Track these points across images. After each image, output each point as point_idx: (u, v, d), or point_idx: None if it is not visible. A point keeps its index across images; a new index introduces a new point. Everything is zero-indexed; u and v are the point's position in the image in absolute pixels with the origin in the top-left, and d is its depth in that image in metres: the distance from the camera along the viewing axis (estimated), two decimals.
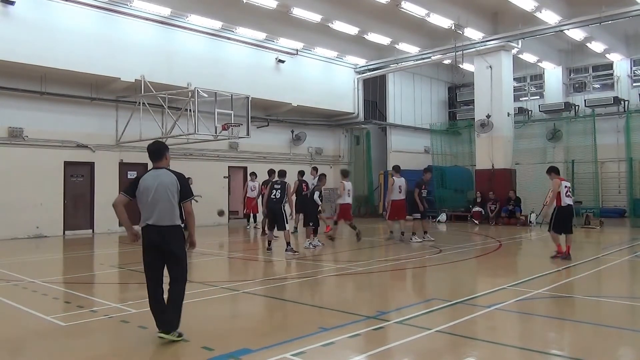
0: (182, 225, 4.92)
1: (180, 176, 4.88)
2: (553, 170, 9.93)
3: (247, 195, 16.76)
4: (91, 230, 15.89)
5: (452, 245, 12.41)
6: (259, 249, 11.66)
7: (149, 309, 4.91)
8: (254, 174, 16.91)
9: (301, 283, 8.11)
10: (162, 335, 4.71)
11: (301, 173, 14.27)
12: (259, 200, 15.71)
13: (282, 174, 11.54)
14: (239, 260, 11.14)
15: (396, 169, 13.58)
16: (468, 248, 12.33)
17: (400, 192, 13.04)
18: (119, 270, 9.54)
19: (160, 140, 5.15)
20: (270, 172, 13.57)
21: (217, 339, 4.91)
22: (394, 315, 5.83)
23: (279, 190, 10.93)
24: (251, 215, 16.98)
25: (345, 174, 13.56)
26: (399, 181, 13.11)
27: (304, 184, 13.60)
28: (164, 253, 4.82)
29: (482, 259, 10.70)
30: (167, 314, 4.78)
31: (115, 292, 7.65)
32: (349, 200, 12.93)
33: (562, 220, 9.61)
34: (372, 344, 4.87)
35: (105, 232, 15.87)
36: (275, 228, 11.02)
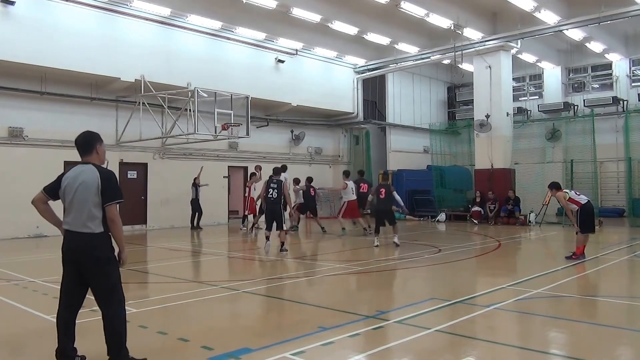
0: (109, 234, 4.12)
1: (105, 173, 4.10)
2: (554, 187, 10.02)
3: (250, 195, 16.42)
4: None
5: (452, 245, 12.42)
6: (260, 249, 11.66)
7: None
8: (278, 170, 16.50)
9: (301, 282, 8.12)
10: None
11: (309, 179, 16.11)
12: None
13: (277, 171, 11.51)
14: (238, 259, 11.15)
15: (346, 173, 15.38)
16: (467, 248, 12.35)
17: (353, 194, 14.69)
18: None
19: (91, 130, 4.38)
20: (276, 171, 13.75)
21: (217, 338, 4.92)
22: (394, 315, 5.84)
23: (276, 190, 10.86)
24: (248, 216, 16.50)
25: (347, 174, 15.27)
26: (351, 184, 14.81)
27: (311, 189, 15.86)
28: (80, 266, 4.04)
29: (481, 258, 10.71)
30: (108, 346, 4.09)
31: None
32: (354, 197, 14.57)
33: (586, 218, 9.61)
34: (371, 343, 4.88)
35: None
36: (274, 227, 11.05)
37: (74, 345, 4.18)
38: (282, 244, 10.87)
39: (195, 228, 16.82)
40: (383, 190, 12.02)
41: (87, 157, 4.21)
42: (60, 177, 4.22)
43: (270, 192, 10.87)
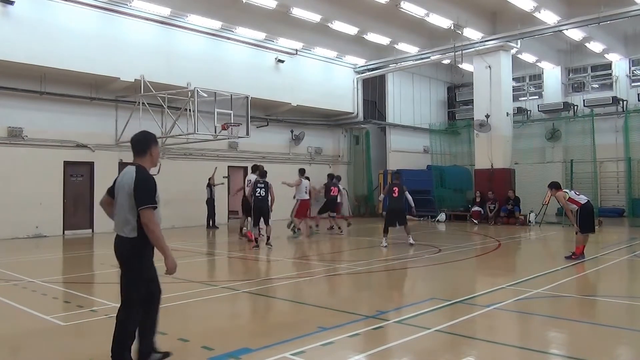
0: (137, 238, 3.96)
1: (141, 175, 3.90)
2: (554, 187, 9.98)
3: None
4: (91, 230, 15.89)
5: (451, 244, 12.42)
6: (261, 249, 11.66)
7: None
8: (265, 173, 16.49)
9: (301, 282, 8.12)
10: None
11: (331, 176, 15.87)
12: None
13: (265, 174, 12.34)
14: (238, 259, 11.15)
15: (301, 171, 14.70)
16: (467, 248, 12.35)
17: (306, 193, 14.32)
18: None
19: (148, 131, 4.25)
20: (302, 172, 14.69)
21: (217, 338, 4.92)
22: (393, 315, 5.83)
23: (264, 189, 11.98)
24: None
25: (302, 172, 14.67)
26: (305, 182, 14.48)
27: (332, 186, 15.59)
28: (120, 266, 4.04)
29: (481, 258, 10.71)
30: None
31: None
32: (307, 197, 14.26)
33: (586, 217, 9.59)
34: (371, 343, 4.88)
35: (105, 231, 15.85)
36: (261, 222, 12.05)
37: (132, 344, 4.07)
38: (268, 237, 11.89)
39: (212, 227, 17.18)
40: (396, 189, 11.99)
41: (139, 158, 4.07)
42: (116, 179, 4.15)
43: (259, 191, 11.93)
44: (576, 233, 9.75)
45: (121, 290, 4.03)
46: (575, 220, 9.64)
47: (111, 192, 4.15)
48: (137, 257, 3.95)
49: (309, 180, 14.94)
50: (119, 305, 4.08)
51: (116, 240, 4.02)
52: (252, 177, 12.82)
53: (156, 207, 3.90)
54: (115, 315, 4.05)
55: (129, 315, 3.97)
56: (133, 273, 3.99)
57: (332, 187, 15.34)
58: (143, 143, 4.07)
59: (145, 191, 3.85)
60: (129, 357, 3.99)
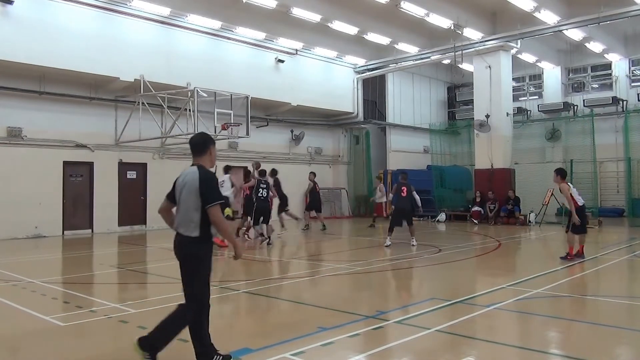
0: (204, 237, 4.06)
1: (204, 174, 4.03)
2: (560, 173, 9.73)
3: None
4: (90, 230, 15.87)
5: (452, 245, 12.41)
6: (262, 249, 11.65)
7: None
8: (264, 172, 16.30)
9: (301, 282, 8.11)
10: (136, 344, 3.96)
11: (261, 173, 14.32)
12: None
13: (263, 173, 12.71)
14: (238, 259, 11.11)
15: (226, 168, 13.49)
16: (467, 248, 12.34)
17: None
18: (118, 270, 9.53)
19: (205, 132, 4.50)
20: (271, 173, 14.40)
21: (217, 338, 4.89)
22: (394, 315, 5.83)
23: (266, 189, 12.30)
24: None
25: (227, 169, 13.74)
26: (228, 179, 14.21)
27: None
28: (180, 265, 4.10)
29: (481, 258, 10.71)
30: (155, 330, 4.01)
31: (114, 292, 7.64)
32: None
33: (582, 218, 9.53)
34: (371, 343, 4.87)
35: (104, 232, 15.86)
36: (261, 221, 12.35)
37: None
38: (269, 237, 12.19)
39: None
40: (405, 188, 11.97)
41: (199, 158, 4.17)
42: (175, 181, 4.20)
43: (261, 192, 12.27)
44: (566, 232, 9.76)
45: (186, 289, 4.05)
46: (569, 219, 9.59)
47: (171, 196, 4.19)
48: (200, 255, 4.03)
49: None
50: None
51: (177, 239, 4.07)
52: (225, 177, 12.22)
53: (223, 204, 4.07)
54: (176, 313, 4.02)
55: (201, 311, 4.03)
56: (198, 271, 4.03)
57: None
58: (203, 144, 4.21)
59: (211, 189, 3.99)
60: (213, 348, 4.08)
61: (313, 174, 16.93)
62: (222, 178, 12.12)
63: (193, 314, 4.01)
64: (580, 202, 9.65)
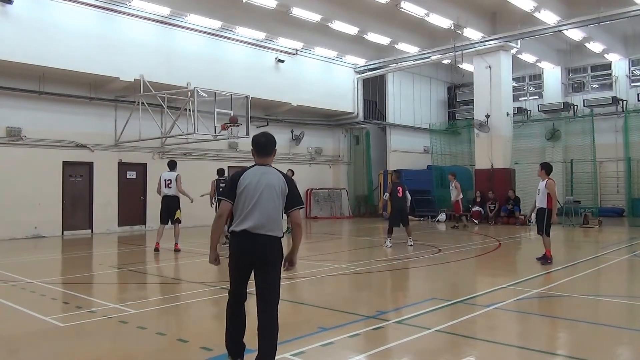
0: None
1: (288, 177, 4.06)
2: (545, 168, 9.26)
3: None
4: (90, 231, 15.86)
5: (452, 245, 12.41)
6: None
7: (226, 323, 4.07)
8: (223, 171, 15.02)
9: (301, 282, 8.10)
10: None
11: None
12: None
13: (222, 172, 12.40)
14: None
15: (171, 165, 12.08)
16: (467, 247, 12.33)
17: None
18: (117, 271, 9.51)
19: (268, 132, 4.26)
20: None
21: (216, 338, 4.89)
22: (394, 315, 5.82)
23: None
24: None
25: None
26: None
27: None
28: (254, 264, 3.93)
29: (481, 258, 10.70)
30: (260, 344, 3.78)
31: (114, 293, 7.63)
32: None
33: (550, 222, 9.15)
34: (371, 343, 4.87)
35: (104, 232, 15.84)
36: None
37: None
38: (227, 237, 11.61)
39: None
40: (400, 188, 11.94)
41: (267, 158, 4.10)
42: (235, 179, 3.99)
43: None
44: (541, 234, 9.20)
45: (264, 290, 3.88)
46: (546, 221, 9.08)
47: (231, 195, 3.97)
48: (282, 255, 3.99)
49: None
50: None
51: (259, 240, 3.87)
52: (167, 175, 11.20)
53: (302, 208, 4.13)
54: (271, 322, 3.82)
55: (275, 311, 3.88)
56: (278, 271, 3.96)
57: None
58: (272, 145, 4.14)
59: (297, 193, 4.05)
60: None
61: (291, 171, 15.48)
62: (165, 176, 11.19)
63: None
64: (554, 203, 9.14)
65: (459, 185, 17.17)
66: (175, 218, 11.14)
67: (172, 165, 11.43)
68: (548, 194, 9.09)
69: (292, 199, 4.00)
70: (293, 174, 15.57)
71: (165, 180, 11.20)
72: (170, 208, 11.09)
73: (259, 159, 4.09)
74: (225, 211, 4.00)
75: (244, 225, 3.88)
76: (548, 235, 9.19)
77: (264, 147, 4.09)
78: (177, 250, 10.99)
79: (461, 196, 17.14)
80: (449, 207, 20.50)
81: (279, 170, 4.07)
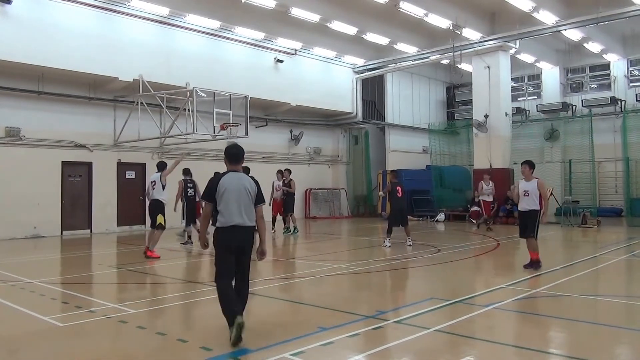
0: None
1: (256, 181, 5.09)
2: (530, 164, 8.65)
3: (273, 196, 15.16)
4: (89, 230, 15.86)
5: (451, 244, 12.42)
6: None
7: (223, 299, 4.79)
8: (280, 172, 15.47)
9: (300, 282, 8.11)
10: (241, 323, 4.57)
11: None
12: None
13: (187, 172, 12.59)
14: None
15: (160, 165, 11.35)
16: (466, 247, 12.34)
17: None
18: (117, 271, 9.52)
19: (237, 144, 5.34)
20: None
21: (216, 338, 4.90)
22: (393, 315, 5.83)
23: (192, 189, 12.38)
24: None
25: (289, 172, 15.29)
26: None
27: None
28: (240, 252, 4.91)
29: (480, 258, 10.71)
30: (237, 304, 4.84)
31: (113, 293, 7.63)
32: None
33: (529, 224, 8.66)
34: (371, 343, 4.87)
35: (103, 232, 15.84)
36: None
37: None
38: (189, 237, 12.34)
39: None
40: (399, 188, 11.92)
41: (238, 165, 5.09)
42: (214, 183, 4.92)
43: (190, 192, 12.33)
44: (529, 237, 8.69)
45: (243, 269, 4.97)
46: (536, 224, 8.60)
47: (211, 196, 4.91)
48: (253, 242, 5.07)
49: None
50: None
51: (241, 230, 4.86)
52: (153, 176, 10.75)
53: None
54: (240, 285, 4.96)
55: (248, 281, 5.08)
56: (250, 254, 5.01)
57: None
58: (242, 154, 5.13)
59: (261, 192, 5.08)
60: None
61: (288, 171, 15.46)
62: (153, 177, 10.61)
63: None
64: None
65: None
66: (157, 223, 10.20)
67: (160, 166, 10.65)
68: (540, 194, 8.61)
69: (259, 197, 5.04)
70: (290, 172, 15.60)
71: (150, 182, 10.64)
72: (151, 212, 10.41)
73: (232, 166, 5.05)
74: (209, 212, 4.98)
75: (234, 222, 4.82)
76: (536, 238, 8.74)
77: (235, 156, 5.07)
78: (147, 256, 10.09)
79: (491, 197, 16.22)
80: (448, 207, 20.51)
81: (248, 175, 5.06)
